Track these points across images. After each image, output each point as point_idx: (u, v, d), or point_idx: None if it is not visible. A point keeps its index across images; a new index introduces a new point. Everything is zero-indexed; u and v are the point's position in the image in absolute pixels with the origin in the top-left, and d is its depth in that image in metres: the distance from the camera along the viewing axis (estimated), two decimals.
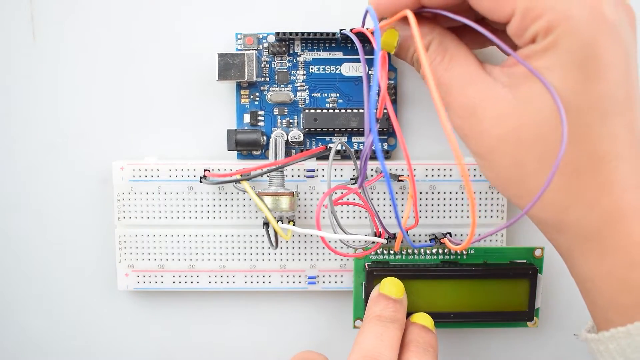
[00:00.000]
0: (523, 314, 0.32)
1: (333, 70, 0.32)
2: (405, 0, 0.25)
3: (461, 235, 0.32)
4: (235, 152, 0.33)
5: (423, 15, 0.26)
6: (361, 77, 0.32)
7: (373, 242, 0.30)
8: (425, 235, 0.33)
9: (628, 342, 0.21)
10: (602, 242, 0.22)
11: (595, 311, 0.24)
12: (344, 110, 0.32)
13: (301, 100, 0.32)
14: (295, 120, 0.33)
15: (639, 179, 0.22)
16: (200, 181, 0.31)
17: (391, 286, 0.30)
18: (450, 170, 0.32)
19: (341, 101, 0.32)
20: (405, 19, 0.24)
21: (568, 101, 0.21)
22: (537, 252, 0.32)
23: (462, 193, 0.32)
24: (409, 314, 0.30)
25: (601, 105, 0.22)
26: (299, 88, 0.32)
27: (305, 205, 0.32)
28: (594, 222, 0.22)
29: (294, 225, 0.31)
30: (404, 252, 0.32)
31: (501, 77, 0.23)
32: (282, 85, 0.32)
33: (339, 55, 0.32)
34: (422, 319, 0.30)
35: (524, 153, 0.23)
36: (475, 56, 0.25)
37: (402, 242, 0.30)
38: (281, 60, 0.32)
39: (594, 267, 0.23)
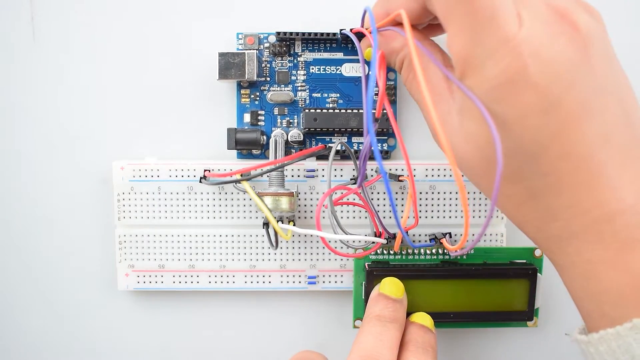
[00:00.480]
0: (523, 314, 0.32)
1: (333, 70, 0.32)
2: (384, 23, 0.25)
3: (461, 235, 0.32)
4: (235, 152, 0.33)
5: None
6: (361, 77, 0.32)
7: (373, 242, 0.30)
8: (425, 235, 0.33)
9: (618, 344, 0.21)
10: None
11: (578, 293, 0.24)
12: (344, 111, 0.32)
13: (301, 100, 0.32)
14: (295, 120, 0.33)
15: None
16: (200, 181, 0.31)
17: (391, 286, 0.30)
18: (450, 170, 0.32)
19: (341, 101, 0.32)
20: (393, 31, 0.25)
21: (478, 142, 0.22)
22: (537, 252, 0.32)
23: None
24: (408, 314, 0.30)
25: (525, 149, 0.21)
26: (299, 88, 0.32)
27: (305, 205, 0.32)
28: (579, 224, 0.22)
29: (294, 225, 0.31)
30: (403, 252, 0.32)
31: (455, 100, 0.23)
32: (282, 85, 0.32)
33: (339, 55, 0.32)
34: (422, 318, 0.30)
35: (478, 179, 0.23)
36: (445, 69, 0.24)
37: (402, 242, 0.30)
38: (282, 60, 0.32)
39: (599, 251, 0.22)
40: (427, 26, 0.27)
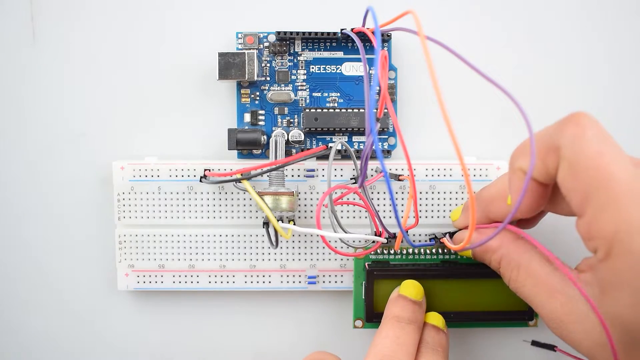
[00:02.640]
0: (523, 314, 0.32)
1: (333, 69, 0.32)
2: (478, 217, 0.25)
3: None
4: (235, 152, 0.33)
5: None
6: (361, 76, 0.32)
7: (373, 242, 0.30)
8: (425, 235, 0.33)
9: None
10: None
11: None
12: (344, 110, 0.32)
13: (302, 99, 0.32)
14: (296, 120, 0.33)
15: None
16: (201, 180, 0.31)
17: (411, 288, 0.30)
18: (450, 170, 0.32)
19: (341, 101, 0.32)
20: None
21: (625, 322, 0.20)
22: None
23: (462, 193, 0.32)
24: None
25: None
26: (299, 87, 0.32)
27: (305, 205, 0.32)
28: None
29: (294, 224, 0.31)
30: (404, 252, 0.32)
31: (590, 283, 0.22)
32: (282, 85, 0.32)
33: (339, 54, 0.32)
34: (433, 318, 0.30)
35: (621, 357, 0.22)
36: (550, 263, 0.24)
37: (402, 241, 0.30)
38: (282, 59, 0.32)
39: None
40: (519, 221, 0.27)
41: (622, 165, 0.20)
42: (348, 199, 0.32)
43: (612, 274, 0.20)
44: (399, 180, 0.32)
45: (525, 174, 0.22)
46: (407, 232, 0.27)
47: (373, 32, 0.28)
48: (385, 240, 0.30)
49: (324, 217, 0.32)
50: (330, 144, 0.32)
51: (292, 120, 0.33)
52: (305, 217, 0.32)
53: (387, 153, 0.33)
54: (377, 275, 0.31)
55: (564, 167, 0.21)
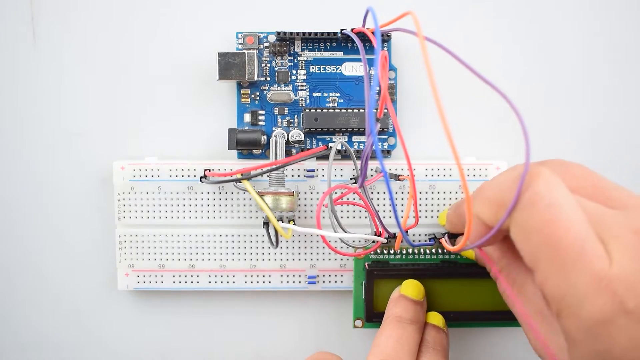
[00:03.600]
0: None
1: (333, 69, 0.32)
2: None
3: (461, 234, 0.32)
4: (235, 152, 0.33)
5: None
6: (361, 76, 0.32)
7: (373, 242, 0.31)
8: (425, 234, 0.33)
9: None
10: None
11: None
12: (344, 110, 0.32)
13: (302, 99, 0.32)
14: (296, 120, 0.33)
15: None
16: (201, 180, 0.31)
17: (412, 288, 0.30)
18: (450, 170, 0.32)
19: (341, 101, 0.33)
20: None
21: None
22: None
23: (462, 193, 0.32)
24: None
25: None
26: (299, 87, 0.32)
27: (305, 205, 0.32)
28: None
29: (294, 224, 0.31)
30: (403, 252, 0.32)
31: (559, 327, 0.22)
32: (282, 85, 0.32)
33: (339, 54, 0.32)
34: (433, 318, 0.30)
35: None
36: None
37: (402, 241, 0.30)
38: (282, 59, 0.32)
39: None
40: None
41: (572, 230, 0.20)
42: (348, 198, 0.32)
43: (565, 333, 0.21)
44: (399, 180, 0.32)
45: (481, 221, 0.23)
46: (407, 232, 0.27)
47: (373, 33, 0.28)
48: (385, 240, 0.30)
49: (324, 217, 0.32)
50: (330, 144, 0.32)
51: (292, 120, 0.33)
52: (306, 217, 0.32)
53: (387, 153, 0.33)
54: (377, 275, 0.31)
55: (514, 226, 0.21)
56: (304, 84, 0.32)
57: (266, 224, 0.31)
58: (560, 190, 0.21)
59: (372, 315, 0.31)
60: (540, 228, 0.20)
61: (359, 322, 0.32)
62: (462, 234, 0.27)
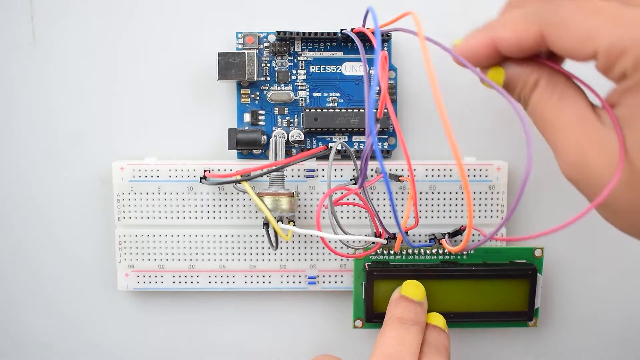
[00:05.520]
0: (523, 314, 0.32)
1: (333, 69, 0.32)
2: (483, 51, 0.23)
3: (461, 235, 0.32)
4: (235, 152, 0.33)
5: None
6: (361, 76, 0.32)
7: (373, 243, 0.30)
8: (425, 235, 0.33)
9: None
10: None
11: None
12: (344, 110, 0.32)
13: (302, 99, 0.32)
14: (296, 120, 0.32)
15: None
16: (201, 181, 0.31)
17: (413, 288, 0.30)
18: (450, 170, 0.32)
19: (341, 101, 0.32)
20: (507, 58, 0.23)
21: None
22: (537, 252, 0.32)
23: (462, 193, 0.32)
24: None
25: None
26: (299, 87, 0.32)
27: (305, 206, 0.32)
28: None
29: (294, 225, 0.31)
30: (404, 252, 0.32)
31: (609, 121, 0.21)
32: (282, 85, 0.32)
33: (339, 54, 0.32)
34: (434, 318, 0.30)
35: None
36: (587, 98, 0.23)
37: (402, 242, 0.30)
38: (282, 59, 0.32)
39: None
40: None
41: None
42: (348, 199, 0.32)
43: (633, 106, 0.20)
44: (399, 181, 0.32)
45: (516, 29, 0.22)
46: (407, 232, 0.27)
47: (373, 33, 0.28)
48: (385, 241, 0.30)
49: (323, 218, 0.32)
50: (330, 144, 0.32)
51: (292, 120, 0.32)
52: (305, 218, 0.32)
53: (387, 153, 0.33)
54: (377, 275, 0.31)
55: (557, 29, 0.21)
56: (304, 83, 0.32)
57: (266, 224, 0.31)
58: None
59: (372, 315, 0.31)
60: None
61: (359, 323, 0.32)
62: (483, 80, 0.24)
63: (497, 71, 0.24)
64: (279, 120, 0.32)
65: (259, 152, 0.33)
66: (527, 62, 0.24)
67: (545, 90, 0.23)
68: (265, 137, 0.32)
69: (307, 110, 0.32)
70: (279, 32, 0.31)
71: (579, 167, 0.22)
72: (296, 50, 0.32)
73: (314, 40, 0.32)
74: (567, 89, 0.23)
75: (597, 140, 0.21)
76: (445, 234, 0.31)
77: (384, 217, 0.32)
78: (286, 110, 0.32)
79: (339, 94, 0.32)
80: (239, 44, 0.32)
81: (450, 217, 0.32)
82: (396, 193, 0.32)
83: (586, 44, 0.20)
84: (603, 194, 0.19)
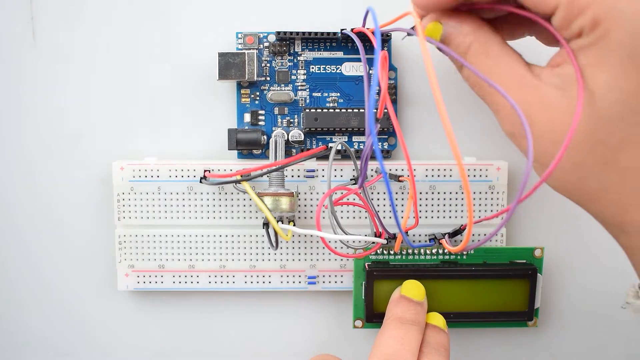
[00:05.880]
0: (523, 314, 0.32)
1: (333, 69, 0.32)
2: None
3: (461, 235, 0.32)
4: (235, 152, 0.33)
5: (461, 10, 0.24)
6: (361, 76, 0.32)
7: (373, 243, 0.30)
8: (425, 235, 0.33)
9: None
10: None
11: None
12: (344, 110, 0.32)
13: (302, 99, 0.32)
14: (296, 120, 0.32)
15: None
16: (201, 182, 0.31)
17: (413, 288, 0.30)
18: (450, 170, 0.32)
19: (342, 101, 0.32)
20: (450, 14, 0.23)
21: (618, 100, 0.20)
22: (537, 252, 0.32)
23: (462, 193, 0.32)
24: None
25: None
26: (299, 87, 0.32)
27: (305, 206, 0.32)
28: None
29: (294, 225, 0.31)
30: (404, 252, 0.32)
31: (551, 79, 0.22)
32: (282, 85, 0.32)
33: (339, 54, 0.32)
34: (434, 318, 0.30)
35: (582, 156, 0.22)
36: (521, 57, 0.23)
37: (402, 242, 0.30)
38: (282, 59, 0.32)
39: None
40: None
41: None
42: (348, 199, 0.32)
43: (602, 49, 0.20)
44: (399, 181, 0.32)
45: None
46: (407, 232, 0.27)
47: (373, 33, 0.28)
48: (385, 241, 0.30)
49: (323, 218, 0.32)
50: (330, 144, 0.32)
51: (292, 120, 0.32)
52: (305, 218, 0.32)
53: (387, 153, 0.33)
54: (377, 275, 0.31)
55: None
56: (304, 83, 0.32)
57: (266, 224, 0.31)
58: None
59: (372, 315, 0.31)
60: None
61: (359, 323, 0.32)
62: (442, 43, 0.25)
63: (435, 27, 0.25)
64: (279, 120, 0.32)
65: (259, 152, 0.33)
66: (467, 20, 0.24)
67: (479, 51, 0.23)
68: (265, 137, 0.32)
69: (307, 110, 0.32)
70: (279, 32, 0.31)
71: (518, 125, 0.23)
72: (296, 50, 0.32)
73: (314, 40, 0.32)
74: (502, 49, 0.23)
75: (536, 97, 0.22)
76: (445, 234, 0.31)
77: (384, 217, 0.32)
78: (286, 110, 0.32)
79: (339, 94, 0.32)
80: (239, 44, 0.32)
81: (450, 217, 0.32)
82: (396, 193, 0.32)
83: None
84: (565, 142, 0.20)
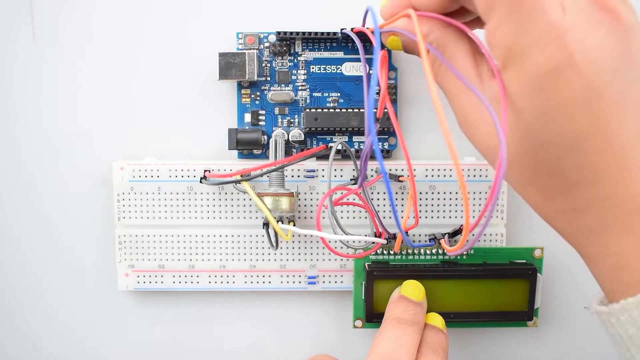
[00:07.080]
0: (523, 314, 0.32)
1: (334, 69, 0.32)
2: (399, 4, 0.25)
3: (461, 235, 0.32)
4: (235, 152, 0.33)
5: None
6: (362, 76, 0.32)
7: (373, 243, 0.30)
8: (425, 235, 0.33)
9: (639, 312, 0.21)
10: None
11: (607, 284, 0.23)
12: (344, 110, 0.32)
13: (302, 99, 0.32)
14: (296, 120, 0.32)
15: None
16: (201, 182, 0.31)
17: (413, 289, 0.30)
18: (450, 170, 0.32)
19: (342, 101, 0.32)
20: (407, 23, 0.24)
21: (534, 131, 0.21)
22: (537, 252, 0.32)
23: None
24: None
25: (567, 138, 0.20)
26: (299, 87, 0.32)
27: (305, 206, 0.32)
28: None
29: (294, 225, 0.31)
30: (403, 252, 0.32)
31: (486, 91, 0.23)
32: (282, 85, 0.32)
33: (339, 54, 0.32)
34: (433, 319, 0.30)
35: (509, 168, 0.23)
36: (475, 58, 0.24)
37: (402, 242, 0.30)
38: (282, 59, 0.32)
39: (630, 243, 0.21)
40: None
41: None
42: (348, 199, 0.32)
43: (509, 86, 0.21)
44: (399, 181, 0.32)
45: None
46: (406, 232, 0.27)
47: (373, 32, 0.28)
48: (385, 241, 0.30)
49: (324, 218, 0.32)
50: (330, 144, 0.32)
51: (292, 120, 0.33)
52: (306, 218, 0.32)
53: (387, 153, 0.33)
54: (377, 275, 0.31)
55: None
56: (304, 83, 0.32)
57: (266, 224, 0.31)
58: None
59: (372, 315, 0.31)
60: None
61: (358, 323, 0.32)
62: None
63: (393, 41, 0.27)
64: (279, 120, 0.32)
65: (259, 152, 0.33)
66: (421, 23, 0.24)
67: (434, 57, 0.25)
68: (265, 137, 0.32)
69: (308, 110, 0.32)
70: (279, 32, 0.31)
71: (464, 128, 0.24)
72: (296, 50, 0.32)
73: (314, 40, 0.32)
74: (454, 55, 0.24)
75: (476, 109, 0.23)
76: (445, 234, 0.31)
77: (384, 217, 0.32)
78: (286, 110, 0.32)
79: (339, 94, 0.32)
80: (240, 44, 0.32)
81: (450, 217, 0.32)
82: (396, 193, 0.32)
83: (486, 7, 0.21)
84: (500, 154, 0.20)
